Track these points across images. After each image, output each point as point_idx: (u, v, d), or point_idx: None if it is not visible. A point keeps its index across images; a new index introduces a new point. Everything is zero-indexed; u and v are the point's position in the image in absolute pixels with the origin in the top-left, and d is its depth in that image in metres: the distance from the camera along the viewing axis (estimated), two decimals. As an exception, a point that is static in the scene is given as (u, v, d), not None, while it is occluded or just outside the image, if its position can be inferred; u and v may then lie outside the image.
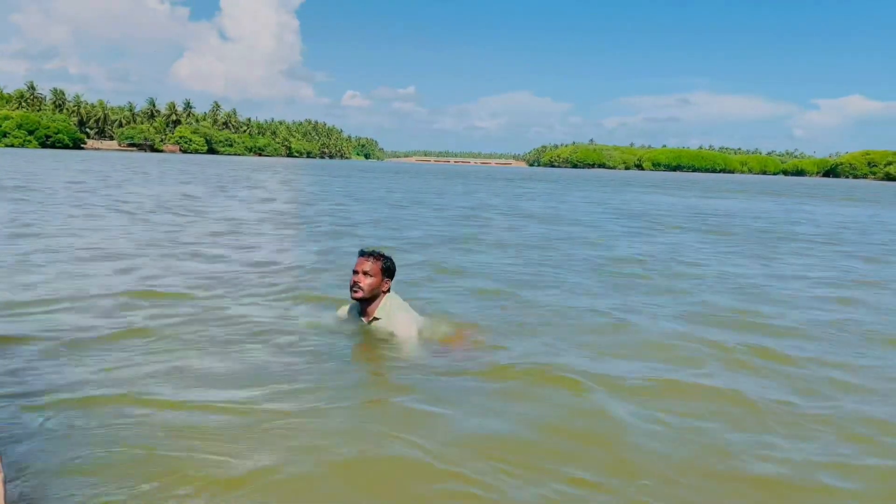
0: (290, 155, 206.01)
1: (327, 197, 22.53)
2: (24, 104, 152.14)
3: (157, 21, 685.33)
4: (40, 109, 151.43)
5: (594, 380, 3.94)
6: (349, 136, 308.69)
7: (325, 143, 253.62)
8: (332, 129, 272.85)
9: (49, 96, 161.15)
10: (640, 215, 18.83)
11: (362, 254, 4.43)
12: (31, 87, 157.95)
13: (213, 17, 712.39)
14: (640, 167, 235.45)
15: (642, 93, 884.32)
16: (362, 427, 3.24)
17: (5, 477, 1.26)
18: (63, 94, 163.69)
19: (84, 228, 10.44)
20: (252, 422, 3.19)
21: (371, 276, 4.34)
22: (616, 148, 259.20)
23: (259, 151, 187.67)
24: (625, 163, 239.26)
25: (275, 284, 6.54)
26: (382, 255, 4.43)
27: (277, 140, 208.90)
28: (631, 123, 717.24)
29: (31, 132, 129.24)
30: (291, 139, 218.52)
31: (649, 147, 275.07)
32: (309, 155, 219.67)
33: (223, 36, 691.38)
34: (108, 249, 8.29)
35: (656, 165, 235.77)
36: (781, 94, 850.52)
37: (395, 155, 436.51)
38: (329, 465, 2.83)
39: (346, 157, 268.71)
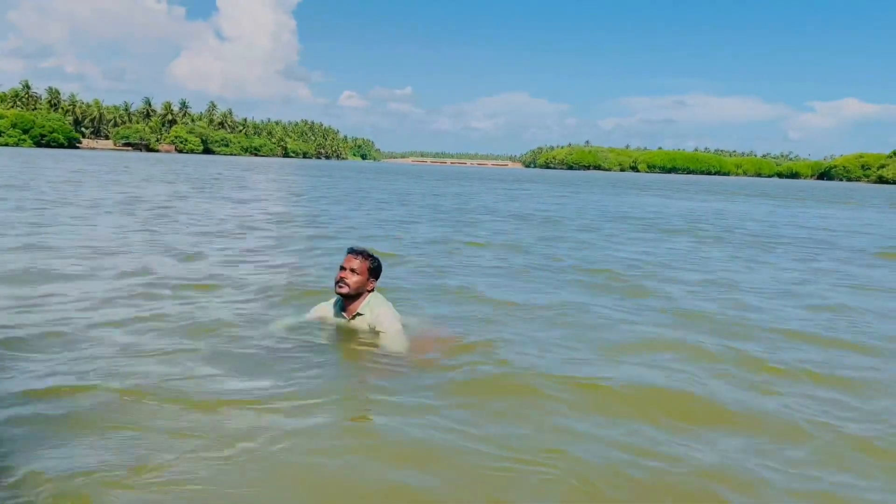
0: (286, 155, 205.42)
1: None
2: (18, 103, 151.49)
3: (154, 20, 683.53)
4: (35, 108, 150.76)
5: (569, 387, 4.08)
6: (345, 137, 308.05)
7: (321, 144, 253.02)
8: (328, 130, 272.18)
9: (44, 95, 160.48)
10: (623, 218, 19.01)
11: (351, 251, 4.50)
12: (26, 86, 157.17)
13: (211, 17, 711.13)
14: (635, 169, 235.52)
15: (638, 94, 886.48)
16: (340, 425, 3.26)
17: None
18: (58, 93, 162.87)
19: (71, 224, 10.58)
20: (230, 416, 3.24)
21: (357, 273, 4.41)
22: (611, 150, 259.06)
23: (255, 152, 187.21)
24: (620, 164, 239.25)
25: (255, 284, 6.63)
26: (371, 255, 4.51)
27: (273, 140, 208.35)
28: (627, 125, 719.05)
29: (25, 131, 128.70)
30: (287, 139, 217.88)
31: (645, 149, 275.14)
32: (305, 155, 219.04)
33: (220, 35, 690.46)
34: (88, 246, 8.43)
35: (651, 167, 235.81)
36: (777, 97, 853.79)
37: (392, 156, 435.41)
38: (307, 465, 2.84)
39: (343, 158, 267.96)
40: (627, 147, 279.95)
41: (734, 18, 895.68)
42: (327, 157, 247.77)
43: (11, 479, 2.55)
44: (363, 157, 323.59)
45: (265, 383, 3.71)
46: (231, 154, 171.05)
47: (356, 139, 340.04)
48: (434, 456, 2.97)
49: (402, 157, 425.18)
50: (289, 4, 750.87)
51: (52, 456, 2.77)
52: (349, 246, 4.65)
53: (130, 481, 2.59)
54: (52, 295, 5.59)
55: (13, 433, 2.97)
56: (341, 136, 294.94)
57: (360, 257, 4.45)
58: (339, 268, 4.49)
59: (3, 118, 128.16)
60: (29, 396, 3.36)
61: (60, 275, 6.52)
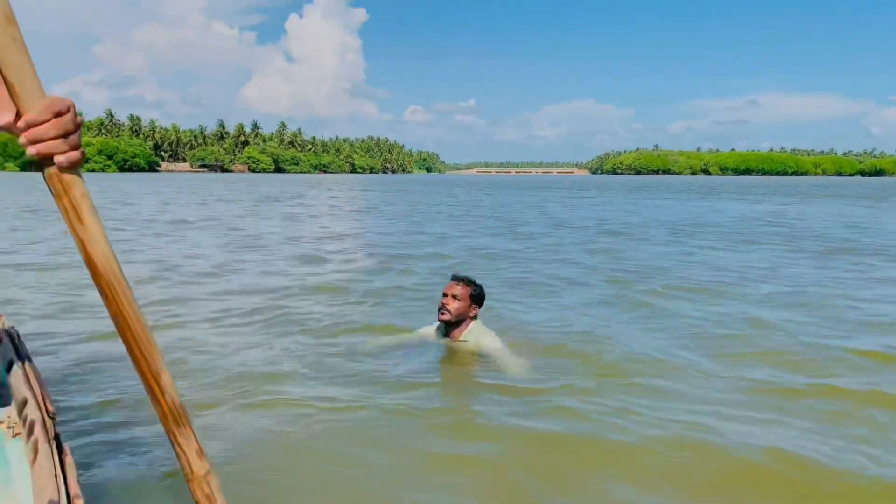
0: (353, 171, 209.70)
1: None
2: (103, 131, 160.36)
3: (226, 46, 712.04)
4: (118, 135, 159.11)
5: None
6: (410, 151, 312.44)
7: (387, 159, 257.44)
8: (393, 145, 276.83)
9: (126, 122, 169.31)
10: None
11: (454, 278, 4.49)
12: (110, 115, 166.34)
13: (279, 40, 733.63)
14: (706, 172, 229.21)
15: (708, 95, 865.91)
16: (436, 440, 3.21)
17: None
18: (139, 119, 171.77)
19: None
20: (327, 424, 3.31)
21: (459, 300, 4.38)
22: (681, 153, 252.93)
23: (324, 169, 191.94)
24: (691, 168, 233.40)
25: (361, 298, 6.63)
26: (473, 282, 4.47)
27: (341, 157, 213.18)
28: (697, 127, 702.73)
29: (110, 157, 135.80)
30: (355, 156, 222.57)
31: (717, 151, 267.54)
32: (372, 171, 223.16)
33: (289, 58, 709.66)
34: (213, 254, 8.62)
35: (724, 170, 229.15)
36: (856, 92, 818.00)
37: (457, 167, 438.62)
38: (399, 473, 2.89)
39: (409, 172, 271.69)
40: (698, 150, 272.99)
41: (807, 12, 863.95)
42: (393, 172, 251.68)
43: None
44: (428, 169, 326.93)
45: (350, 391, 3.80)
46: (301, 172, 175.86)
47: (421, 153, 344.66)
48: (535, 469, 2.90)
49: (467, 168, 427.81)
50: (354, 25, 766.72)
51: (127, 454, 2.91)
52: (452, 272, 4.66)
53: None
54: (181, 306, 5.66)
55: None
56: (406, 150, 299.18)
57: (461, 283, 4.43)
58: (441, 294, 4.48)
59: (89, 146, 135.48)
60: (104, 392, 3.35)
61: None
